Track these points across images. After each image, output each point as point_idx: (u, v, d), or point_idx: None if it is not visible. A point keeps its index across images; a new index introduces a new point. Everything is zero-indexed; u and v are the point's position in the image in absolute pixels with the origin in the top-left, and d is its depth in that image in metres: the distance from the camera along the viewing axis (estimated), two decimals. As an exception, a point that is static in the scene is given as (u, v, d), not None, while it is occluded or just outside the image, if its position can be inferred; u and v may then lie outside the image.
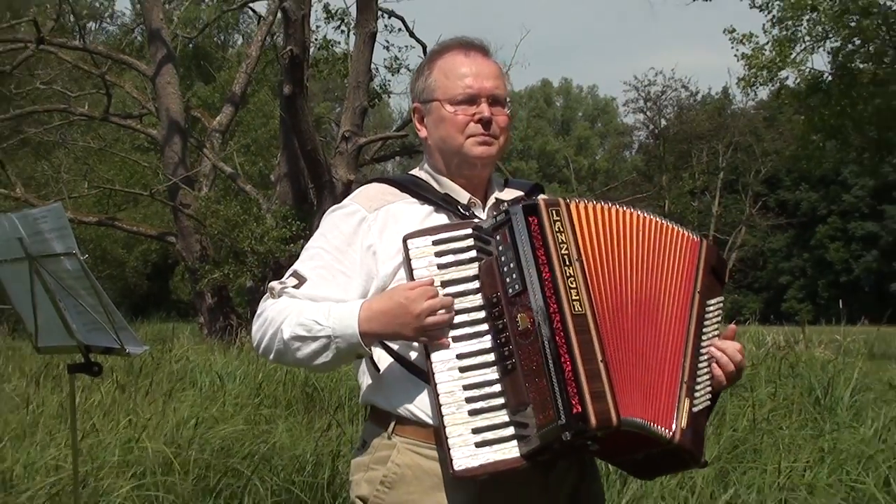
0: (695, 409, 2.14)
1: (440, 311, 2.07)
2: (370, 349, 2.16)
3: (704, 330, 2.21)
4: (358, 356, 2.19)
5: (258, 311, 2.26)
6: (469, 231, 2.15)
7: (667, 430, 2.08)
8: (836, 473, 5.10)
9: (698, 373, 2.17)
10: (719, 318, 2.26)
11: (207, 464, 5.59)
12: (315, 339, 2.14)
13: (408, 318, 2.07)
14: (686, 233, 2.24)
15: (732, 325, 2.27)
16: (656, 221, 2.20)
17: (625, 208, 2.19)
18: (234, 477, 5.35)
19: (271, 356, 2.23)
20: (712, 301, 2.24)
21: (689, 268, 2.21)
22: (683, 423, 2.09)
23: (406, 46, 34.33)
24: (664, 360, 2.13)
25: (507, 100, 2.34)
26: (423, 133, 2.36)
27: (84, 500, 4.85)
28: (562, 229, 2.09)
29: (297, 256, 2.37)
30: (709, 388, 2.20)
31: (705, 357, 2.20)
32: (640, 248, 2.17)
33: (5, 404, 7.85)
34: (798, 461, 5.27)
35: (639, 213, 2.20)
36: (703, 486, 4.86)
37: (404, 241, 2.13)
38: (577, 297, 2.04)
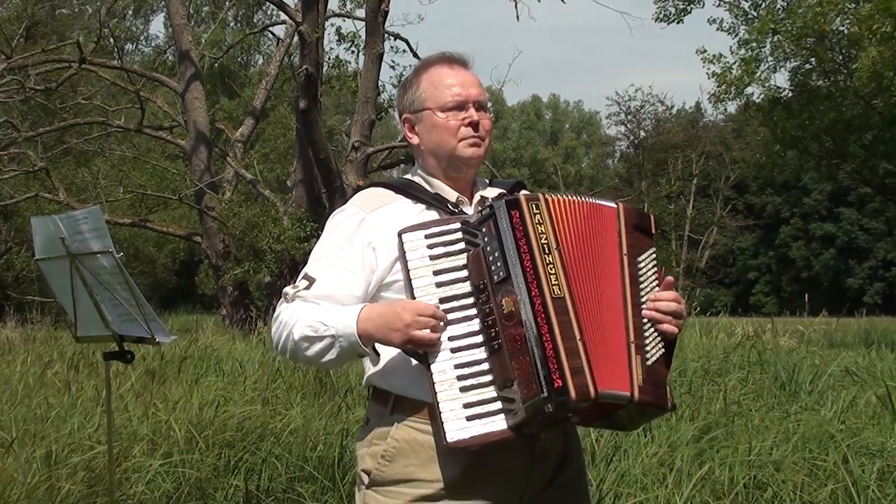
0: (649, 363, 2.10)
1: (429, 330, 2.05)
2: (368, 349, 2.14)
3: (641, 286, 2.17)
4: (360, 356, 2.17)
5: (275, 315, 2.25)
6: (458, 225, 2.15)
7: (625, 392, 2.05)
8: (800, 452, 5.07)
9: (644, 328, 2.13)
10: (655, 269, 2.21)
11: (228, 442, 5.57)
12: (321, 338, 2.13)
13: (397, 324, 2.06)
14: (603, 203, 2.21)
15: (669, 277, 2.21)
16: (588, 202, 2.19)
17: (580, 198, 2.19)
18: (252, 454, 5.32)
19: (287, 355, 2.23)
20: (642, 257, 2.20)
21: (612, 234, 2.18)
22: (640, 380, 2.07)
23: (410, 66, 33.74)
24: (613, 325, 2.11)
25: (490, 105, 2.35)
26: (415, 140, 2.35)
27: (118, 476, 4.82)
28: (541, 221, 2.09)
29: (310, 254, 2.34)
30: (659, 339, 2.15)
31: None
32: (590, 229, 2.16)
33: (48, 388, 7.82)
34: (766, 441, 5.24)
35: (581, 198, 2.19)
36: (680, 463, 4.83)
37: (399, 235, 2.14)
38: (557, 282, 2.04)
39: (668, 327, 2.15)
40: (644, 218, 2.24)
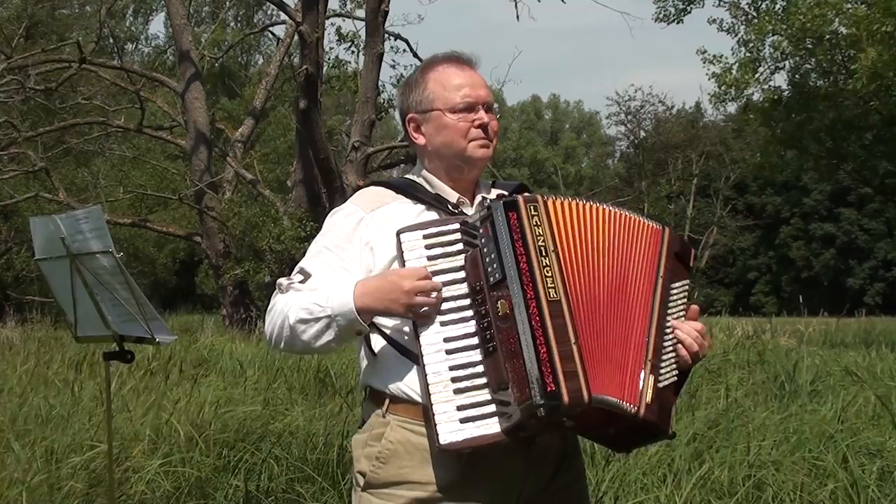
0: (660, 385, 2.08)
1: (429, 294, 2.05)
2: (368, 326, 2.12)
3: (669, 310, 2.15)
4: (358, 333, 2.15)
5: (269, 307, 2.23)
6: (457, 226, 2.13)
7: (632, 406, 2.03)
8: (799, 451, 5.07)
9: (663, 350, 2.11)
10: (685, 299, 2.19)
11: (228, 442, 5.57)
12: (317, 319, 2.11)
13: (397, 293, 2.04)
14: (649, 222, 2.20)
15: (695, 306, 2.20)
16: (623, 214, 2.17)
17: (596, 203, 2.17)
18: (252, 454, 5.33)
19: (282, 345, 2.20)
20: (677, 284, 2.19)
21: (653, 254, 2.16)
22: (648, 399, 2.04)
23: (410, 65, 33.64)
24: (630, 340, 2.08)
25: (496, 107, 2.33)
26: (420, 140, 2.31)
27: (118, 476, 4.82)
28: (539, 223, 2.07)
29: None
30: (675, 365, 2.13)
31: (670, 336, 2.14)
32: (610, 238, 2.13)
33: (49, 388, 7.82)
34: (765, 441, 5.24)
35: (607, 207, 2.17)
36: (680, 463, 4.83)
37: (397, 234, 2.12)
38: (553, 285, 2.01)
39: (684, 352, 2.13)
40: (686, 249, 2.23)
